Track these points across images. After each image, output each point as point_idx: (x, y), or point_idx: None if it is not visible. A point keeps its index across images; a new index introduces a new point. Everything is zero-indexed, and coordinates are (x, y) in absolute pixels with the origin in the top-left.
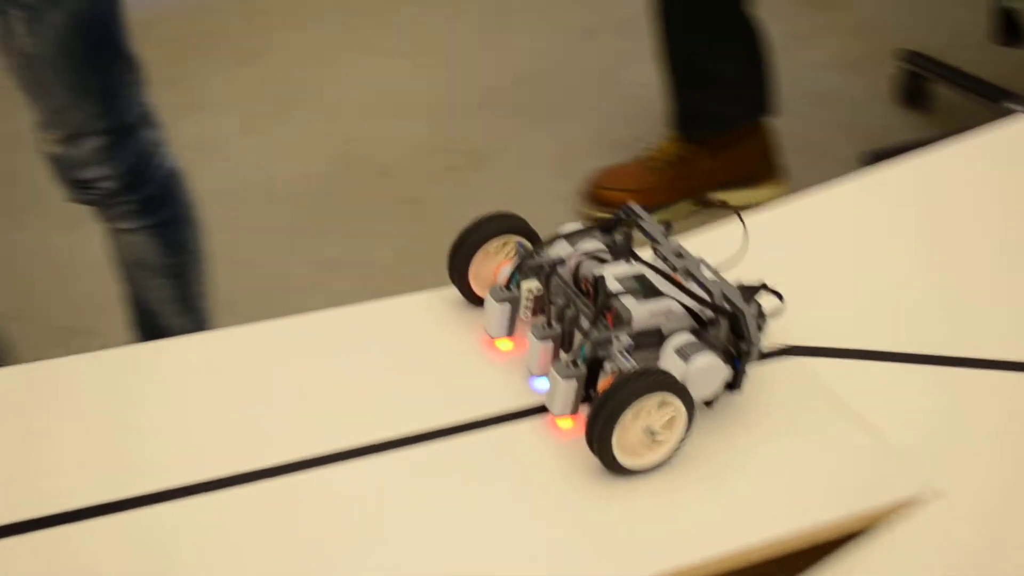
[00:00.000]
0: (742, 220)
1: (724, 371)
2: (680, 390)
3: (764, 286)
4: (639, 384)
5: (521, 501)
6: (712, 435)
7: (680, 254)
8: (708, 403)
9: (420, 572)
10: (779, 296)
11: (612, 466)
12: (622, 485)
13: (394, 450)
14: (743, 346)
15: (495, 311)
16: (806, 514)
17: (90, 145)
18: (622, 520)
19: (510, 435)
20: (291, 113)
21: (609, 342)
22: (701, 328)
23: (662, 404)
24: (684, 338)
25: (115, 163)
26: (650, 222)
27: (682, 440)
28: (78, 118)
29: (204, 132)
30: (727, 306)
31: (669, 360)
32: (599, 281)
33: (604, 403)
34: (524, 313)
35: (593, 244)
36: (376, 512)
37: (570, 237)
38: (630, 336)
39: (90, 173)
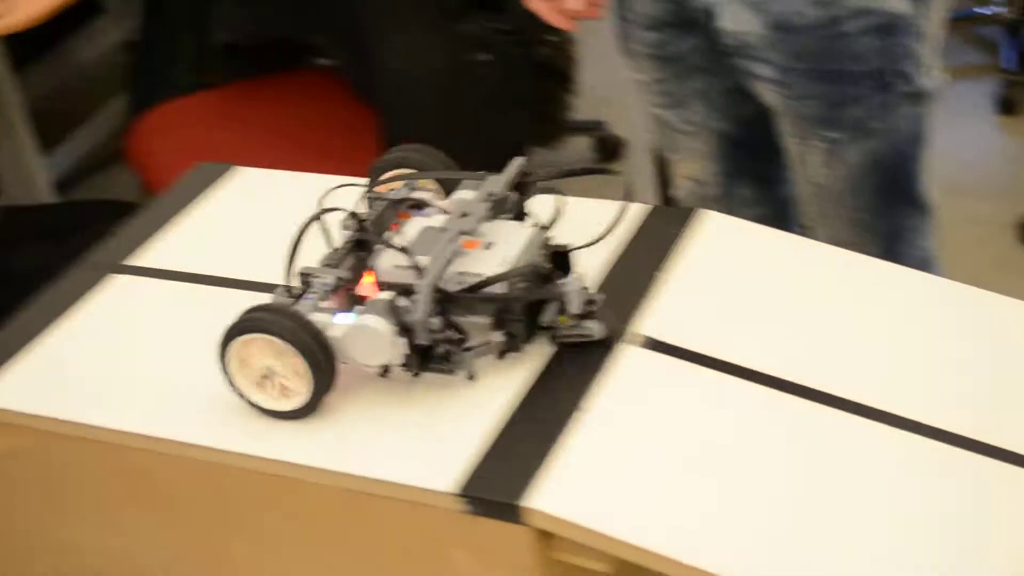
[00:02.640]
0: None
1: (386, 342)
2: (297, 339)
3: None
4: (244, 320)
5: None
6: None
7: (466, 214)
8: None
9: None
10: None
11: (239, 394)
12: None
13: None
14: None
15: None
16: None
17: None
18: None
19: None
20: None
21: (314, 275)
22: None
23: (281, 350)
24: (383, 296)
25: None
26: (502, 179)
27: (314, 394)
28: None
29: None
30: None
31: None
32: (357, 220)
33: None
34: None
35: (473, 194)
36: None
37: (475, 184)
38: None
39: None
